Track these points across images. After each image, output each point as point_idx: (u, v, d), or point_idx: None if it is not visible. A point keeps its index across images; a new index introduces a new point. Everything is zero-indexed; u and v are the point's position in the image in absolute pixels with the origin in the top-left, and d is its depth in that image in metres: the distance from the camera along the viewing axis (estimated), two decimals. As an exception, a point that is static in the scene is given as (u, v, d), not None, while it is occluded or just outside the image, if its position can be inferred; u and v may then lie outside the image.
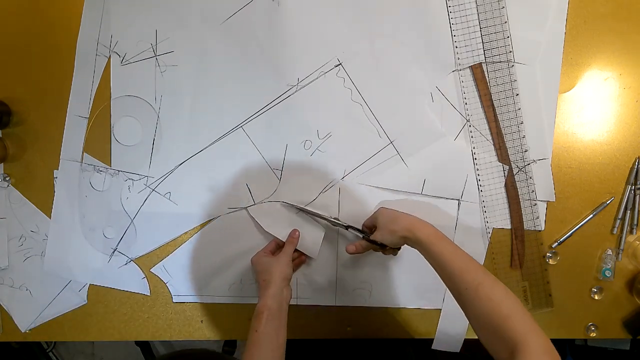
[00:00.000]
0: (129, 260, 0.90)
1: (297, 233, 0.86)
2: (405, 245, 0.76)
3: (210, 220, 0.89)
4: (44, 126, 0.88)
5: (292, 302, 0.90)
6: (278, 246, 0.87)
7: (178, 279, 0.90)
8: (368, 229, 0.83)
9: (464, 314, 0.89)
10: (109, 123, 0.87)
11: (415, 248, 0.74)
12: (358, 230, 0.83)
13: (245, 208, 0.88)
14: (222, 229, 0.88)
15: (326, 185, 0.87)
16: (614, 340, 1.26)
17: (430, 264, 0.73)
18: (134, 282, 0.90)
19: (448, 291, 0.89)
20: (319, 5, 0.84)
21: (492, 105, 0.85)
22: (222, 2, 0.84)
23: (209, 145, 0.87)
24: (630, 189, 0.87)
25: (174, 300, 0.91)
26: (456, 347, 0.92)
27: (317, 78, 0.85)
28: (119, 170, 0.88)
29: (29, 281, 0.91)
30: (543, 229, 0.89)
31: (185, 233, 0.89)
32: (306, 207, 0.87)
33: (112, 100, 0.87)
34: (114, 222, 0.89)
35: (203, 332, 0.92)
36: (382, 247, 0.79)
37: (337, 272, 0.89)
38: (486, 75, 0.85)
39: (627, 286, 0.90)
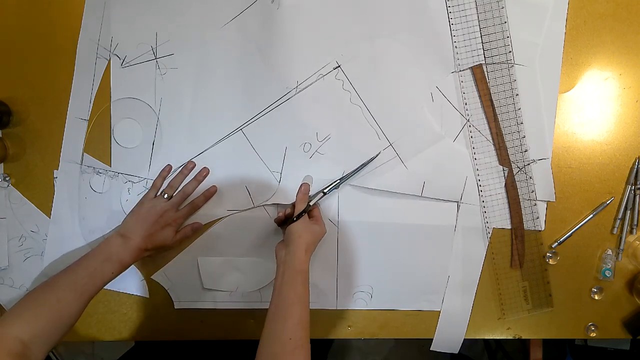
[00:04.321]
0: (129, 262, 0.90)
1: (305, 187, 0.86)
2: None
3: (209, 226, 0.89)
4: (44, 126, 0.88)
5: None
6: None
7: (179, 285, 0.90)
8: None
9: (463, 316, 0.90)
10: (109, 125, 0.87)
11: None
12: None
13: (245, 210, 0.88)
14: (221, 235, 0.89)
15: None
16: (614, 340, 1.27)
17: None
18: (133, 284, 0.90)
19: (447, 292, 0.90)
20: (318, 8, 0.83)
21: (492, 105, 0.85)
22: (222, 5, 0.84)
23: (209, 148, 0.87)
24: (630, 189, 0.87)
25: (175, 307, 0.91)
26: (455, 348, 0.92)
27: (316, 81, 0.85)
28: (118, 173, 0.88)
29: (29, 281, 0.91)
30: (543, 229, 0.89)
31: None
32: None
33: (112, 103, 0.87)
34: (113, 224, 0.88)
35: (203, 332, 0.92)
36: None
37: (338, 276, 0.90)
38: (486, 75, 0.85)
39: (627, 286, 0.90)
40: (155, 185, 0.85)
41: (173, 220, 0.83)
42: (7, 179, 0.89)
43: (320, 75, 0.85)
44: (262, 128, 0.86)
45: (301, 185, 0.85)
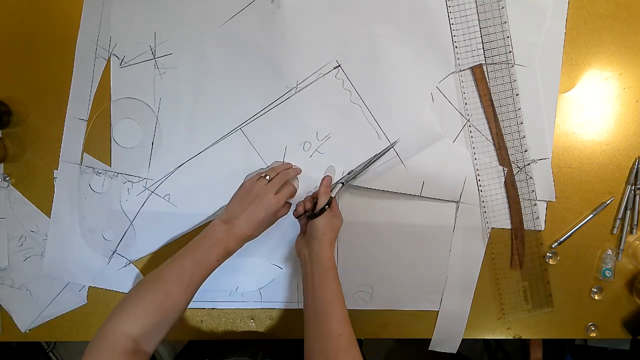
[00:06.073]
0: (128, 262, 0.90)
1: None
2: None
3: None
4: (44, 126, 0.88)
5: (294, 305, 0.91)
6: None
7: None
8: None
9: (462, 316, 0.90)
10: (109, 125, 0.87)
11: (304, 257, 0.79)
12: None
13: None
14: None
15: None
16: (614, 340, 1.27)
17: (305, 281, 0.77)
18: (133, 284, 0.90)
19: (446, 292, 0.90)
20: (318, 7, 0.83)
21: (492, 105, 0.85)
22: (220, 4, 0.84)
23: (208, 147, 0.87)
24: (630, 189, 0.87)
25: (176, 306, 0.91)
26: (453, 348, 0.92)
27: (316, 80, 0.85)
28: (118, 173, 0.88)
29: (29, 281, 0.91)
30: (543, 229, 0.89)
31: (185, 237, 0.89)
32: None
33: (111, 103, 0.87)
34: (113, 224, 0.88)
35: (203, 332, 0.92)
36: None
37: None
38: (486, 75, 0.85)
39: (627, 286, 0.90)
40: (259, 173, 0.84)
41: (272, 204, 0.79)
42: (7, 179, 0.89)
43: (320, 75, 0.85)
44: (262, 127, 0.86)
45: (323, 178, 0.83)
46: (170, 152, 0.87)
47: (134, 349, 0.63)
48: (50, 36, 0.87)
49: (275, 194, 0.79)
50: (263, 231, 0.81)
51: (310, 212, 0.81)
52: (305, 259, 0.78)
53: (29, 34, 0.87)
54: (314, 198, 0.83)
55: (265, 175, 0.81)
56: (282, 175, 0.82)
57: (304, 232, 0.84)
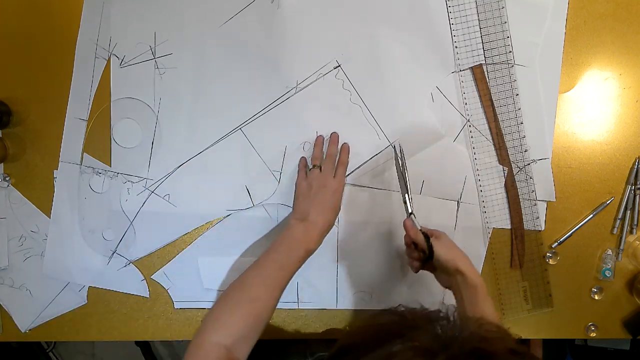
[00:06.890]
0: (128, 262, 0.89)
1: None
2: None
3: (210, 226, 0.89)
4: (44, 126, 0.88)
5: (294, 305, 0.90)
6: None
7: (179, 285, 0.90)
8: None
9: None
10: (109, 125, 0.87)
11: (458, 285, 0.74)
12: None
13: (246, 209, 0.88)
14: (221, 235, 0.89)
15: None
16: (614, 340, 1.27)
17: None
18: (133, 284, 0.90)
19: (447, 293, 0.89)
20: (318, 8, 0.83)
21: (492, 105, 0.85)
22: (220, 4, 0.84)
23: (208, 147, 0.87)
24: (630, 189, 0.87)
25: (175, 307, 0.91)
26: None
27: (316, 80, 0.85)
28: (118, 173, 0.88)
29: (29, 281, 0.91)
30: (543, 229, 0.89)
31: (186, 237, 0.89)
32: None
33: (111, 103, 0.87)
34: (113, 224, 0.88)
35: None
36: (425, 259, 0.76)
37: (338, 275, 0.89)
38: (486, 75, 0.85)
39: (627, 286, 0.90)
40: (302, 167, 0.85)
41: (337, 186, 0.80)
42: (7, 179, 0.89)
43: (320, 75, 0.85)
44: (261, 127, 0.86)
45: (404, 222, 0.77)
46: (170, 152, 0.87)
47: (227, 357, 0.64)
48: (50, 36, 0.86)
49: (334, 177, 0.80)
50: (336, 218, 0.81)
51: (423, 256, 0.76)
52: (457, 285, 0.74)
53: (29, 34, 0.87)
54: (410, 244, 0.79)
55: (313, 166, 0.82)
56: (330, 159, 0.83)
57: (433, 270, 0.80)
